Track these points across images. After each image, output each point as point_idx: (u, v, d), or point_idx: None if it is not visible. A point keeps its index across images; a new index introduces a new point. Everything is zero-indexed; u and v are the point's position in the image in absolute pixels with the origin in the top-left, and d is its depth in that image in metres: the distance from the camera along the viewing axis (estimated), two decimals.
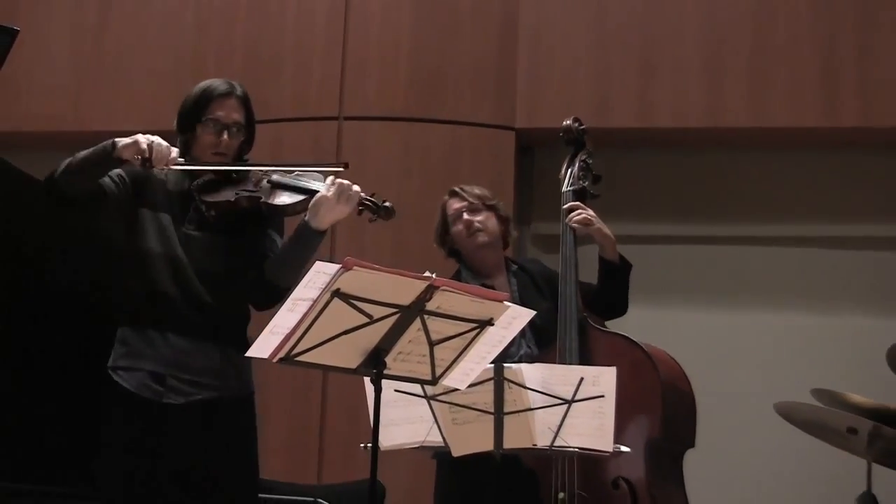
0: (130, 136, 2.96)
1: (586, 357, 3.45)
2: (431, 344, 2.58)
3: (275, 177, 3.07)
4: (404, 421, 3.00)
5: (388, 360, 2.58)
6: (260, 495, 3.19)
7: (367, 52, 5.32)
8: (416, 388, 2.88)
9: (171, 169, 2.99)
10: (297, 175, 3.08)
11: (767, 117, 5.04)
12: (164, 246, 3.04)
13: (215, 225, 3.06)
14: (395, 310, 2.50)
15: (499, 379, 2.93)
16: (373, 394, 2.60)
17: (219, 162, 3.09)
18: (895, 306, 5.03)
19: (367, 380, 2.70)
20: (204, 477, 2.98)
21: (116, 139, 2.94)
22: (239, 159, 3.16)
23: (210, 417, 3.00)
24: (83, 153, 2.97)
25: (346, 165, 3.13)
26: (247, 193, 3.04)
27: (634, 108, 5.14)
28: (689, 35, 5.14)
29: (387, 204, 3.04)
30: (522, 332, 3.34)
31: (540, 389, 2.95)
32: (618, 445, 3.04)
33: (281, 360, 2.51)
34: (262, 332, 2.53)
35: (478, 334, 2.61)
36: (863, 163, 5.17)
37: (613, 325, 3.67)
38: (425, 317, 2.54)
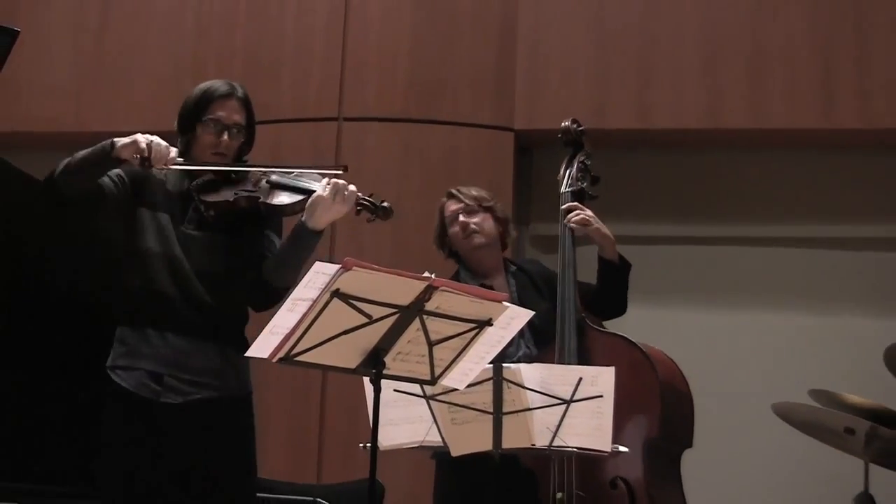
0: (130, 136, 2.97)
1: (585, 357, 3.46)
2: (430, 344, 2.59)
3: (273, 177, 3.08)
4: (403, 421, 3.00)
5: (388, 360, 2.58)
6: (259, 495, 3.19)
7: (367, 54, 5.32)
8: (416, 388, 2.89)
9: (170, 169, 2.99)
10: (296, 176, 3.09)
11: (766, 118, 5.05)
12: (162, 245, 3.04)
13: (214, 224, 3.07)
14: (394, 310, 2.51)
15: (498, 379, 2.93)
16: (372, 394, 2.60)
17: (218, 162, 3.09)
18: (893, 307, 5.03)
19: (366, 380, 2.70)
20: (203, 476, 2.99)
21: (115, 139, 2.94)
22: (238, 160, 3.16)
23: (208, 417, 3.00)
24: (82, 153, 2.97)
25: (345, 168, 3.14)
26: (245, 193, 3.04)
27: (633, 110, 5.14)
28: (688, 36, 5.14)
29: (385, 204, 3.05)
30: (521, 333, 3.35)
31: (539, 389, 2.95)
32: (616, 445, 3.05)
33: (280, 360, 2.52)
34: (261, 332, 2.53)
35: (477, 334, 2.62)
36: (861, 164, 5.18)
37: (612, 326, 3.67)
38: (424, 317, 2.54)
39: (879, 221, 5.15)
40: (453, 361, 2.66)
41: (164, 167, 2.96)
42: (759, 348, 5.12)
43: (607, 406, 2.95)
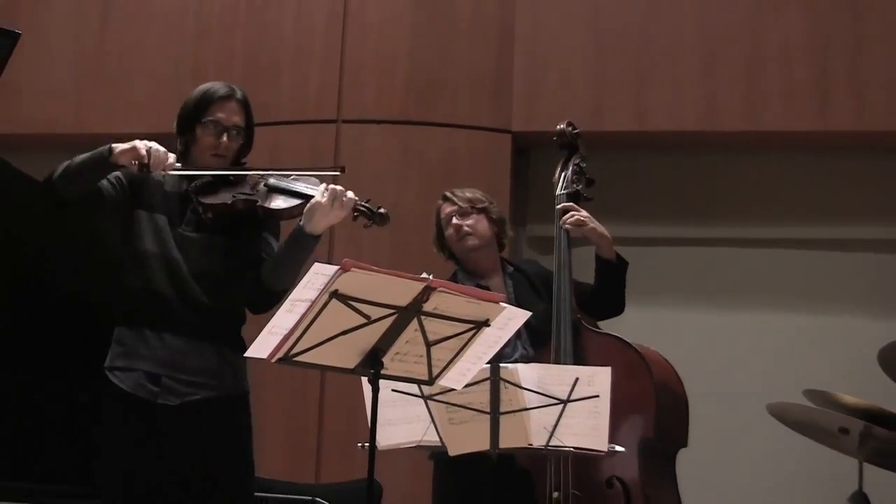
0: (130, 139, 2.97)
1: (580, 358, 3.47)
2: (428, 344, 2.60)
3: (271, 180, 3.08)
4: (401, 420, 3.01)
5: (386, 360, 2.59)
6: (258, 494, 3.20)
7: (366, 57, 5.34)
8: (413, 388, 2.90)
9: (168, 174, 3.00)
10: (294, 179, 3.09)
11: (763, 120, 5.06)
12: (160, 247, 3.05)
13: (212, 226, 3.07)
14: (392, 310, 2.52)
15: (495, 379, 2.94)
16: (370, 394, 2.61)
17: (216, 167, 3.10)
18: (887, 307, 5.05)
19: (364, 380, 2.72)
20: (201, 476, 3.00)
21: (113, 144, 2.95)
22: (237, 162, 3.17)
23: (206, 417, 3.01)
24: (80, 157, 2.98)
25: (342, 169, 3.15)
26: (243, 196, 3.05)
27: (631, 112, 5.15)
28: (685, 39, 5.15)
29: (381, 210, 3.05)
30: (518, 334, 3.35)
31: (535, 389, 2.96)
32: (613, 445, 3.05)
33: (279, 360, 2.53)
34: (259, 332, 2.54)
35: (474, 335, 2.63)
36: (856, 165, 5.19)
37: (609, 326, 3.69)
38: (422, 317, 2.55)
39: (875, 223, 5.16)
40: (451, 362, 2.66)
41: (163, 173, 2.97)
42: (755, 349, 5.13)
43: (604, 406, 2.96)
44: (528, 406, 2.96)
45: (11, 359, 3.48)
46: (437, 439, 3.02)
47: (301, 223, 3.03)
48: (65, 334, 3.60)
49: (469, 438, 2.98)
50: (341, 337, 2.52)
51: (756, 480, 5.01)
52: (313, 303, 2.46)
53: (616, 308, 3.71)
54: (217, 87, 3.16)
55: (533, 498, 3.44)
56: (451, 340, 2.62)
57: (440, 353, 2.63)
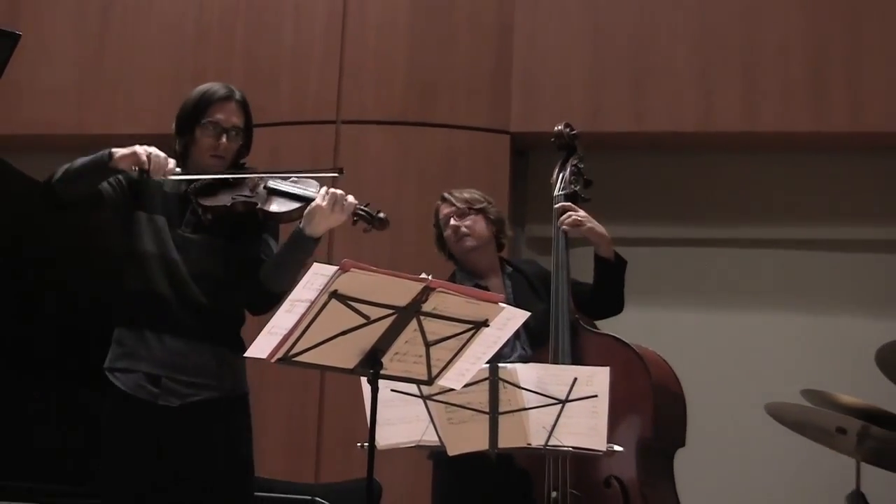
0: (130, 140, 2.98)
1: (578, 358, 3.47)
2: (427, 344, 2.60)
3: (271, 183, 3.09)
4: (401, 420, 3.01)
5: (385, 360, 2.59)
6: (258, 494, 3.19)
7: (365, 58, 5.35)
8: (413, 388, 2.91)
9: (168, 179, 3.00)
10: (293, 181, 3.10)
11: (759, 121, 5.08)
12: (159, 248, 3.05)
13: (211, 228, 3.08)
14: (391, 311, 2.52)
15: (494, 379, 2.95)
16: (370, 393, 2.62)
17: (215, 168, 3.10)
18: (885, 308, 5.05)
19: (363, 380, 2.73)
20: (201, 477, 3.00)
21: (114, 149, 2.95)
22: (236, 163, 3.18)
23: (206, 418, 3.01)
24: (80, 161, 2.98)
25: (340, 171, 3.16)
26: (243, 199, 3.05)
27: (628, 113, 5.17)
28: (683, 41, 5.17)
29: (381, 215, 3.06)
30: (517, 334, 3.35)
31: (534, 389, 2.96)
32: (611, 445, 3.06)
33: (279, 360, 2.53)
34: (259, 332, 2.54)
35: (473, 335, 2.63)
36: (852, 166, 5.20)
37: (607, 326, 3.69)
38: (421, 318, 2.55)
39: (872, 223, 5.17)
40: (450, 362, 2.67)
41: (163, 178, 2.97)
42: (752, 349, 5.14)
43: (602, 406, 2.96)
44: (526, 406, 2.97)
45: (11, 358, 3.48)
46: (437, 439, 3.02)
47: (301, 226, 3.04)
48: (65, 334, 3.60)
49: (468, 438, 2.99)
50: (341, 337, 2.52)
51: (754, 480, 5.02)
52: (313, 303, 2.47)
53: (615, 307, 3.71)
54: (216, 88, 3.16)
55: (531, 497, 3.44)
56: (450, 340, 2.62)
57: (439, 353, 2.64)
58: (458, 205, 3.74)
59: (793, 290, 5.21)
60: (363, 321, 2.52)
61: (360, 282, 2.47)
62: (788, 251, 5.25)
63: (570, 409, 2.97)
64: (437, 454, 3.35)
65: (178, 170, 3.00)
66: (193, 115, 3.12)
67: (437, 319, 2.57)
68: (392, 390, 2.89)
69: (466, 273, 3.73)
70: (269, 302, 3.04)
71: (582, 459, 3.27)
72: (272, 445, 4.78)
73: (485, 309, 2.62)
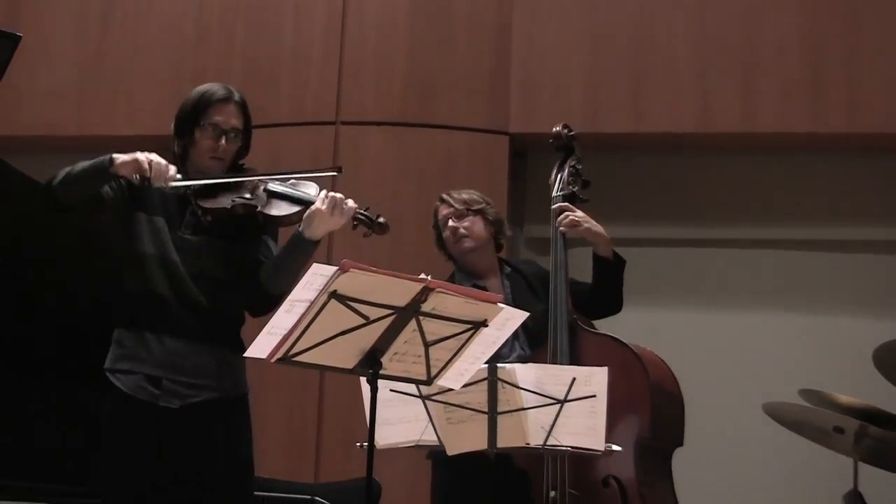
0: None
1: (577, 358, 3.48)
2: (426, 344, 2.61)
3: (271, 185, 3.09)
4: (400, 420, 3.02)
5: (384, 360, 2.60)
6: (257, 493, 3.20)
7: (364, 59, 5.36)
8: (412, 388, 2.91)
9: (169, 186, 2.99)
10: (293, 183, 3.10)
11: (757, 122, 5.09)
12: (158, 248, 3.05)
13: (210, 229, 3.08)
14: (391, 311, 2.53)
15: (493, 379, 2.95)
16: (369, 393, 2.63)
17: (214, 169, 3.10)
18: (882, 308, 5.07)
19: (363, 380, 2.74)
20: (201, 476, 3.01)
21: (115, 155, 2.96)
22: (235, 164, 3.18)
23: (206, 418, 3.02)
24: (80, 165, 2.99)
25: (339, 169, 3.17)
26: (242, 201, 3.05)
27: (627, 113, 5.18)
28: (681, 42, 5.18)
29: (381, 220, 3.06)
30: (515, 335, 3.36)
31: (533, 389, 2.97)
32: (609, 444, 3.06)
33: (279, 360, 2.54)
34: (259, 332, 2.55)
35: (472, 335, 2.64)
36: (851, 167, 5.21)
37: (605, 326, 3.70)
38: (420, 318, 2.56)
39: (870, 224, 5.18)
40: (449, 362, 2.68)
41: (164, 185, 2.97)
42: (750, 349, 5.15)
43: (601, 406, 2.96)
44: (525, 406, 2.97)
45: (11, 358, 3.48)
46: (436, 439, 3.03)
47: (300, 229, 3.04)
48: (65, 334, 3.61)
49: (467, 438, 2.99)
50: (340, 337, 2.53)
51: (752, 479, 5.03)
52: (312, 303, 2.48)
53: (614, 306, 3.72)
54: (215, 89, 3.15)
55: (530, 497, 3.45)
56: (449, 341, 2.63)
57: (438, 354, 2.64)
58: (457, 206, 3.75)
59: (790, 291, 5.22)
60: (362, 321, 2.52)
61: (360, 282, 2.48)
62: (786, 251, 5.26)
63: (568, 408, 2.97)
64: (435, 454, 3.36)
65: (178, 176, 3.00)
66: (192, 116, 3.12)
67: (436, 319, 2.58)
68: (391, 390, 2.89)
69: (465, 274, 3.74)
70: (269, 303, 3.04)
71: (580, 459, 3.27)
72: (272, 445, 4.79)
73: (484, 309, 2.63)
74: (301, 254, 3.06)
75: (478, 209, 3.75)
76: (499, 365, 2.98)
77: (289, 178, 3.13)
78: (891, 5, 5.06)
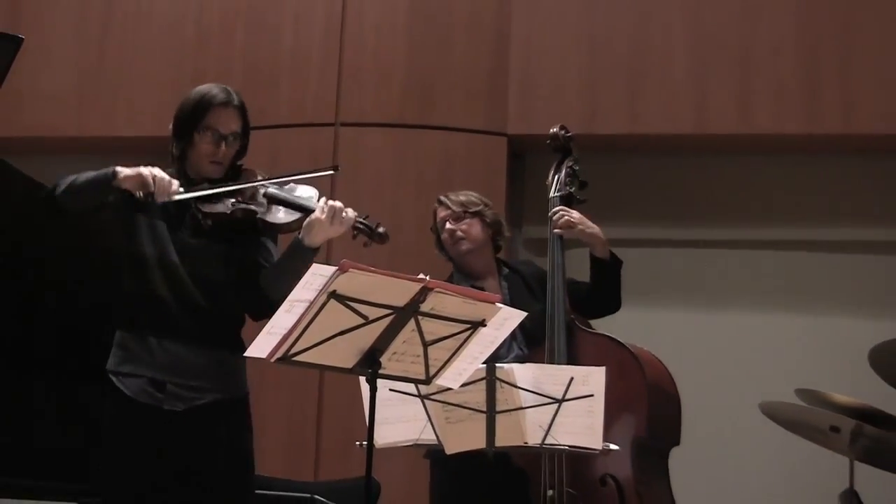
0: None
1: (574, 358, 3.49)
2: (425, 344, 2.61)
3: (271, 189, 3.10)
4: (399, 419, 3.02)
5: (383, 359, 2.61)
6: (257, 492, 3.19)
7: (363, 61, 5.37)
8: (411, 388, 2.91)
9: (172, 200, 2.99)
10: (292, 188, 3.11)
11: (753, 123, 5.10)
12: (158, 251, 3.05)
13: (210, 232, 3.08)
14: (390, 311, 2.54)
15: (491, 378, 2.95)
16: (368, 393, 2.64)
17: (213, 174, 3.11)
18: (878, 308, 5.08)
19: (362, 379, 2.75)
20: (201, 477, 3.01)
21: (118, 168, 2.97)
22: (233, 165, 3.17)
23: (208, 419, 3.02)
24: (84, 176, 2.99)
25: (336, 168, 3.18)
26: (243, 206, 3.06)
27: (624, 115, 5.19)
28: (677, 43, 5.19)
29: (381, 230, 3.06)
30: (513, 335, 3.34)
31: (531, 389, 2.97)
32: (607, 444, 3.07)
33: (278, 360, 2.54)
34: (258, 333, 2.56)
35: (471, 335, 2.64)
36: (846, 168, 5.22)
37: (603, 326, 3.71)
38: (419, 318, 2.57)
39: (865, 224, 5.19)
40: (448, 361, 2.68)
41: (167, 199, 2.97)
42: (747, 348, 5.15)
43: (598, 405, 2.97)
44: (523, 405, 2.98)
45: (11, 358, 3.49)
46: (434, 438, 3.03)
47: (300, 236, 3.05)
48: (65, 334, 3.61)
49: (465, 437, 2.99)
50: (339, 337, 2.54)
51: (748, 478, 5.04)
52: (312, 303, 2.48)
53: (612, 306, 3.73)
54: (214, 91, 3.14)
55: (528, 496, 3.47)
56: (447, 340, 2.64)
57: (437, 353, 2.65)
58: (454, 208, 3.76)
59: (787, 291, 5.23)
60: (362, 321, 2.53)
61: (359, 282, 2.49)
62: (782, 252, 5.27)
63: (566, 408, 2.97)
64: (433, 453, 3.38)
65: (181, 190, 3.01)
66: (192, 119, 3.11)
67: (434, 319, 2.59)
68: (390, 390, 2.90)
69: (463, 275, 3.75)
70: (268, 308, 3.01)
71: (578, 458, 3.28)
72: (272, 445, 4.80)
73: (482, 309, 2.63)
74: (300, 261, 3.03)
75: (475, 211, 3.76)
76: (497, 364, 2.99)
77: (288, 182, 3.13)
78: (886, 7, 5.07)
